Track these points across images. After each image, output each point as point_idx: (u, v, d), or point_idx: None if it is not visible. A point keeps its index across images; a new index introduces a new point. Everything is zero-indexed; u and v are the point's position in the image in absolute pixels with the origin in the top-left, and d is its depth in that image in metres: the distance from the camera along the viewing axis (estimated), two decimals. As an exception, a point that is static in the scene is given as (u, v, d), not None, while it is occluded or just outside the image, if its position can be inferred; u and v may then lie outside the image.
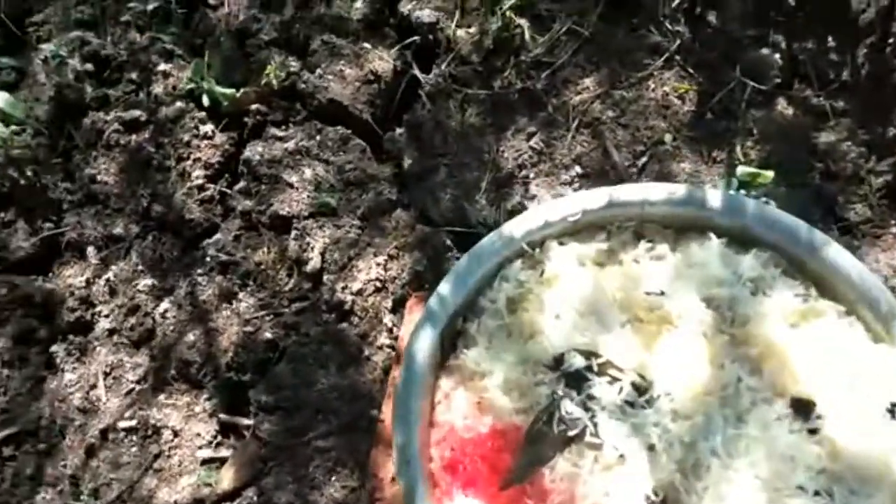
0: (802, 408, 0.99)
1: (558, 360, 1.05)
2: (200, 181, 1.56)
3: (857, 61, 1.49)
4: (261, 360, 1.44)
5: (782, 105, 1.48)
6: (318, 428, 1.37)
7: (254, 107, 1.61)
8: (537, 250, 1.14)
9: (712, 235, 1.11)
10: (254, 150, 1.57)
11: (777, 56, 1.50)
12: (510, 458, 1.01)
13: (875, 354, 1.03)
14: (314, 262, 1.49)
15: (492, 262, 1.13)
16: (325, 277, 1.49)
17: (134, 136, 1.62)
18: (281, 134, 1.59)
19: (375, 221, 1.52)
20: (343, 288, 1.47)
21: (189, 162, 1.58)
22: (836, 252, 1.08)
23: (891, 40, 1.46)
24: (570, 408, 1.00)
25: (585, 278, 1.10)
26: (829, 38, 1.51)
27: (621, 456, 0.98)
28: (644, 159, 1.48)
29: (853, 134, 1.43)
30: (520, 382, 1.05)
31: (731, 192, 1.32)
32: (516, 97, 1.57)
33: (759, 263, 1.09)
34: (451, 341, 1.13)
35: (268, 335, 1.45)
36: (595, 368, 1.02)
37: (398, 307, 1.44)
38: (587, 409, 1.00)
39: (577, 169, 1.51)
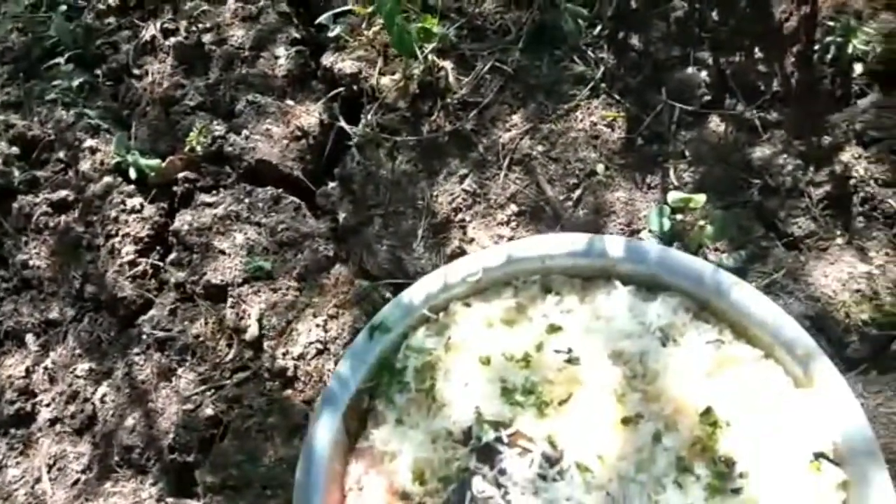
0: (723, 467, 0.94)
1: (467, 434, 1.00)
2: (131, 256, 1.53)
3: (785, 71, 1.46)
4: (204, 439, 1.39)
5: (713, 123, 1.45)
6: (267, 504, 1.32)
7: (182, 175, 1.58)
8: (441, 314, 1.10)
9: (618, 284, 1.07)
10: (183, 220, 1.53)
11: (704, 74, 1.47)
12: None
13: (796, 401, 0.99)
14: (252, 329, 1.45)
15: (394, 333, 1.09)
16: (264, 344, 1.44)
17: (63, 217, 1.59)
18: (210, 200, 1.56)
19: (313, 280, 1.49)
20: (284, 353, 1.43)
21: (118, 238, 1.54)
22: (745, 293, 1.03)
23: (817, 46, 1.44)
24: (481, 486, 0.95)
25: (493, 342, 1.06)
26: (756, 51, 1.49)
27: None
28: (578, 192, 1.45)
29: (788, 146, 1.40)
30: (430, 461, 1.00)
31: (653, 232, 1.28)
32: (446, 140, 1.54)
33: (668, 309, 1.05)
34: (360, 422, 1.08)
35: (209, 411, 1.40)
36: (505, 440, 0.98)
37: (341, 368, 1.40)
38: (499, 486, 0.95)
39: (513, 207, 1.47)
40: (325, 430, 1.04)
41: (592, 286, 1.09)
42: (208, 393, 1.42)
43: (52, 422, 1.47)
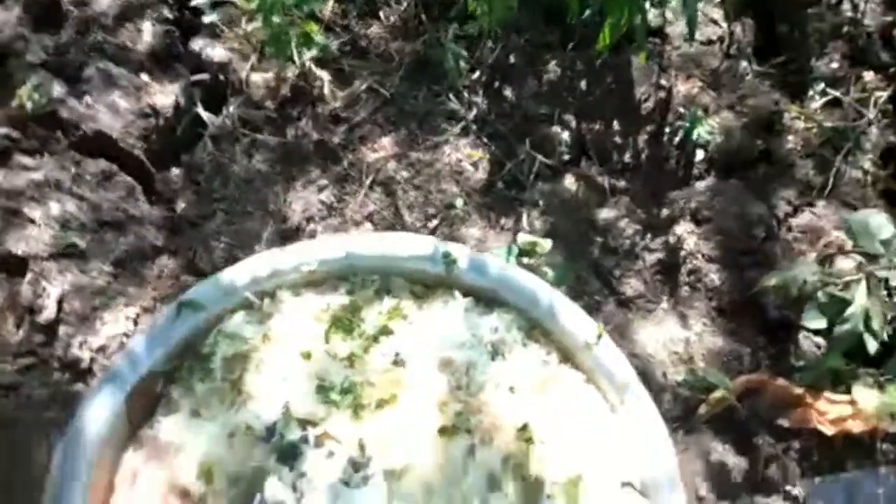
0: (531, 489, 0.92)
1: (271, 431, 0.92)
2: (-82, 209, 1.30)
3: (637, 145, 1.56)
4: (-37, 428, 1.17)
5: (568, 181, 1.51)
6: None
7: (3, 131, 1.40)
8: (266, 301, 1.02)
9: (458, 294, 1.05)
10: (-9, 178, 1.34)
11: (566, 134, 1.54)
12: None
13: (610, 428, 0.99)
14: (49, 310, 1.27)
15: (206, 314, 0.99)
16: (60, 330, 1.26)
17: None
18: (31, 163, 1.38)
19: (133, 268, 1.34)
20: (81, 343, 1.26)
21: None
22: (575, 318, 1.05)
23: (667, 129, 1.56)
24: (274, 488, 0.86)
25: (318, 338, 0.99)
26: (615, 123, 1.58)
27: None
28: (435, 222, 1.44)
29: (631, 212, 1.48)
30: (222, 458, 0.90)
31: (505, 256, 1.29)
32: (311, 149, 1.49)
33: (502, 325, 1.04)
34: (148, 408, 0.96)
35: (-25, 397, 1.19)
36: (311, 441, 0.91)
37: (146, 367, 1.25)
38: (295, 490, 0.87)
39: (368, 226, 1.43)
40: (100, 411, 0.90)
41: (431, 295, 1.06)
42: (-21, 376, 1.21)
43: None
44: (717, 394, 1.22)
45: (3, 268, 1.31)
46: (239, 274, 1.02)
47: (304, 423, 0.92)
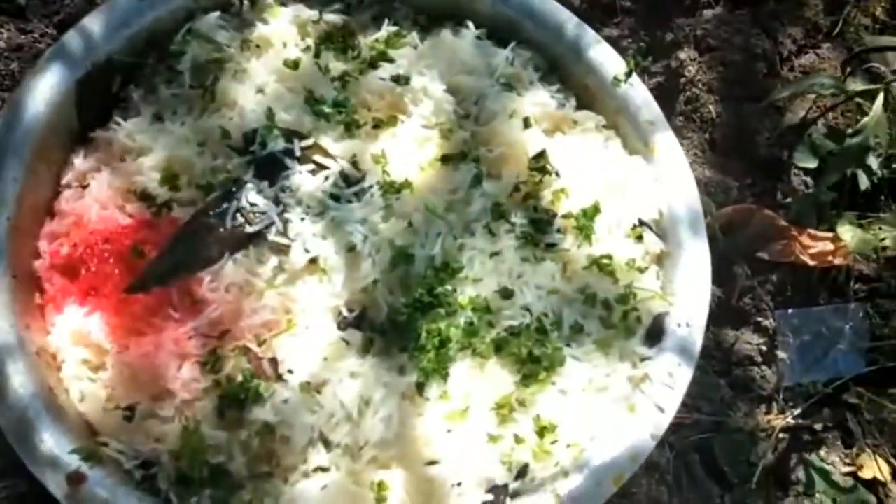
0: (541, 220, 0.83)
1: (249, 140, 0.78)
2: None
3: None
4: None
5: (574, -4, 1.36)
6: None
7: None
8: (246, 3, 0.86)
9: (470, 24, 0.91)
10: None
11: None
12: (152, 258, 0.73)
13: (629, 167, 0.90)
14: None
15: (175, 5, 0.83)
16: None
17: None
18: None
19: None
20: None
21: None
22: (602, 53, 0.94)
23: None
24: (254, 198, 0.74)
25: (305, 49, 0.85)
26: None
27: (312, 260, 0.74)
28: None
29: (635, 32, 1.36)
30: (190, 164, 0.78)
31: None
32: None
33: (517, 60, 0.92)
34: (98, 107, 0.81)
35: None
36: (297, 153, 0.77)
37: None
38: (278, 203, 0.75)
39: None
40: (46, 88, 0.76)
41: (438, 26, 0.92)
42: None
43: None
44: (702, 221, 1.19)
45: None
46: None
47: (290, 135, 0.78)
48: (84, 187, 0.76)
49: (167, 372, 0.68)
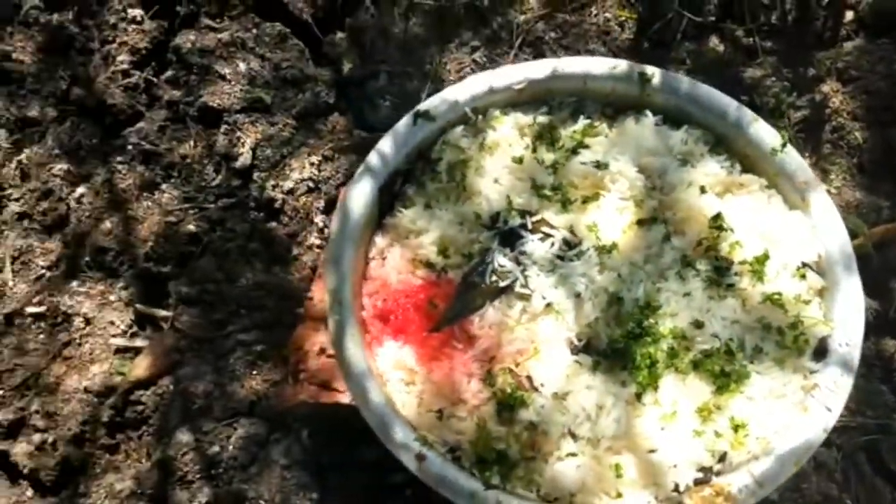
0: (721, 266, 1.06)
1: (494, 219, 1.09)
2: (126, 66, 1.48)
3: (785, 6, 1.56)
4: (182, 253, 1.40)
5: (714, 41, 1.54)
6: (241, 322, 1.35)
7: (187, -5, 1.54)
8: (480, 117, 1.17)
9: (648, 112, 1.16)
10: (185, 38, 1.50)
11: (714, -8, 1.55)
12: (441, 308, 1.05)
13: (790, 220, 1.10)
14: (244, 157, 1.45)
15: (435, 125, 1.15)
16: (254, 174, 1.45)
17: (56, 15, 1.52)
18: (215, 25, 1.53)
19: (310, 122, 1.49)
20: (274, 186, 1.44)
21: (115, 45, 1.49)
22: (760, 128, 1.15)
23: (815, -11, 1.54)
24: (502, 261, 1.04)
25: (525, 147, 1.13)
26: (763, -17, 1.57)
27: (548, 305, 1.02)
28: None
29: (777, 71, 1.51)
30: (455, 240, 1.09)
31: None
32: (462, 11, 1.56)
33: (690, 138, 1.14)
34: (388, 202, 1.15)
35: (191, 228, 1.40)
36: (529, 226, 1.07)
37: (330, 208, 1.43)
38: (519, 264, 1.05)
39: (517, 87, 1.52)
40: (361, 195, 1.10)
41: (622, 115, 1.18)
42: (191, 211, 1.42)
43: (21, 216, 1.43)
44: (855, 241, 1.30)
45: (199, 119, 1.49)
46: (460, 91, 1.17)
47: (523, 213, 1.08)
48: (384, 259, 1.08)
49: (460, 386, 0.99)
